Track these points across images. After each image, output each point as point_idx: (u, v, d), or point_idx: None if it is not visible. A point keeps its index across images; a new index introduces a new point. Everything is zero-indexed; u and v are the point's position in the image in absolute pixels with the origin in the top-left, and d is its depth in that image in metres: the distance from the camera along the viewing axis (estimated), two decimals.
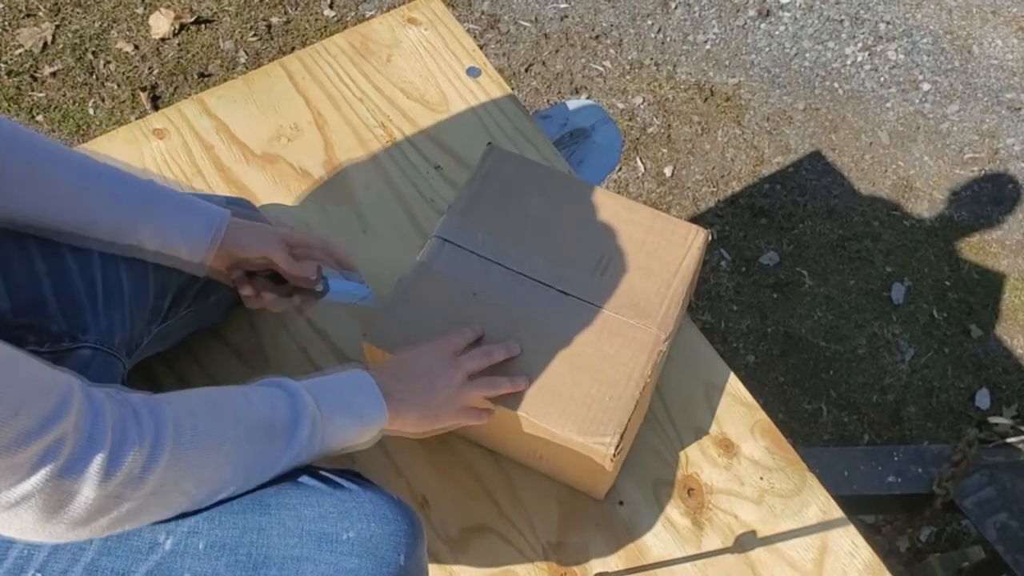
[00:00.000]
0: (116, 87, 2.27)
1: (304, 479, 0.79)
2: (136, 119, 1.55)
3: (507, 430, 0.97)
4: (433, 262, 1.02)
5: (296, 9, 2.45)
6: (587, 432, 0.92)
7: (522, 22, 2.46)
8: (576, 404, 0.93)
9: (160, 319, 0.99)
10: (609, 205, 1.06)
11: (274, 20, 2.43)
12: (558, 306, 0.99)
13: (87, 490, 0.63)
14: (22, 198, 0.86)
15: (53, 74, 2.29)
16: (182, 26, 2.39)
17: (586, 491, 1.05)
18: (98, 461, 0.62)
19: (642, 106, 2.32)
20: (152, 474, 0.66)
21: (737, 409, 1.12)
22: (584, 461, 0.95)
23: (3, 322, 0.84)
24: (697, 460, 1.08)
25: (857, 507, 1.41)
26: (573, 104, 1.47)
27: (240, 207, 1.14)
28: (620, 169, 2.22)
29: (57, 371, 0.64)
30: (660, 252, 1.02)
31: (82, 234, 0.89)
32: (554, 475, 1.05)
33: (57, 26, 2.37)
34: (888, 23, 2.49)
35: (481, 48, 2.11)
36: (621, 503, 1.05)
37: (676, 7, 2.50)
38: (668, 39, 2.44)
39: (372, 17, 1.77)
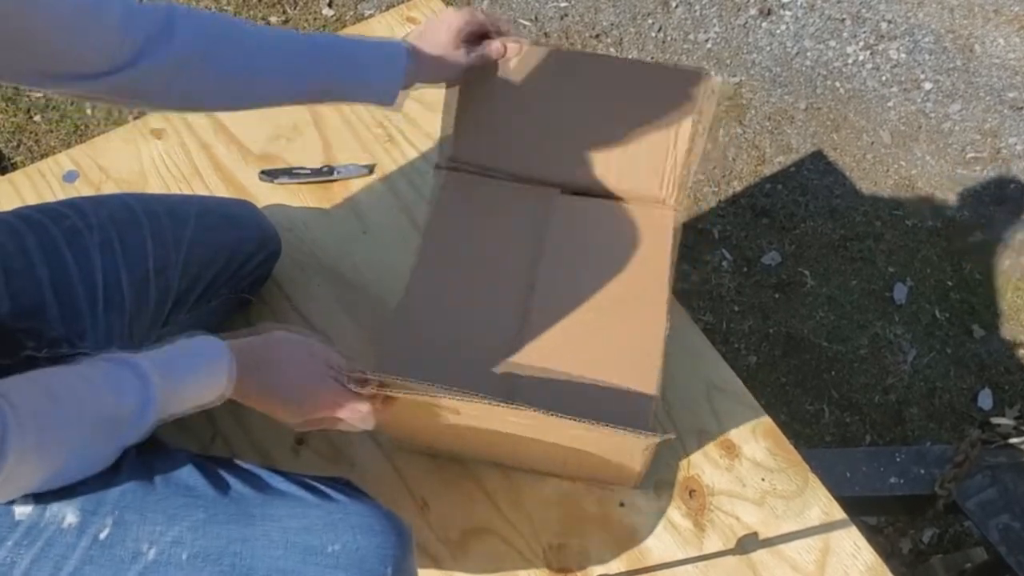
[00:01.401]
0: None
1: (291, 489, 0.78)
2: (134, 119, 1.54)
3: (522, 441, 0.93)
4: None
5: (295, 8, 2.45)
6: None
7: (522, 21, 2.46)
8: (607, 397, 0.91)
9: (161, 324, 0.98)
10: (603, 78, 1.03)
11: (273, 19, 2.42)
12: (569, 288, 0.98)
13: None
14: (222, 95, 0.88)
15: None
16: None
17: (614, 481, 1.03)
18: None
19: None
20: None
21: (739, 410, 1.11)
22: (620, 453, 0.93)
23: (2, 325, 0.83)
24: (698, 461, 1.08)
25: (859, 508, 1.40)
26: None
27: (241, 208, 1.13)
28: None
29: None
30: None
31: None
32: (574, 475, 1.03)
33: None
34: (890, 22, 2.48)
35: None
36: (622, 504, 1.05)
37: (677, 6, 2.49)
38: (669, 38, 2.44)
39: (371, 16, 1.76)
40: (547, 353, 0.95)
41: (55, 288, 0.87)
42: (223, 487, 0.78)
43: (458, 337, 0.96)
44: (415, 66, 0.95)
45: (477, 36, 1.01)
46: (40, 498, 0.73)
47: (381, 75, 0.94)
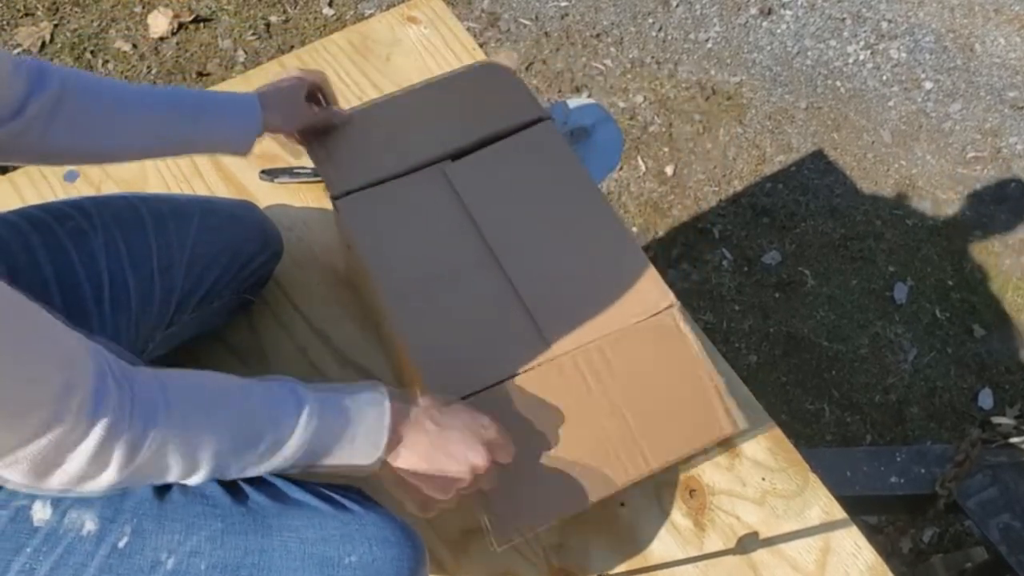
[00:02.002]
0: None
1: (307, 499, 0.78)
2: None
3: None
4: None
5: (295, 8, 2.45)
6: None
7: (522, 20, 2.46)
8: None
9: (165, 324, 0.98)
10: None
11: (273, 19, 2.42)
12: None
13: (73, 464, 0.62)
14: (80, 141, 0.89)
15: None
16: (180, 25, 2.38)
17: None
18: (94, 437, 0.62)
19: (643, 105, 2.31)
20: (137, 457, 0.65)
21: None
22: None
23: None
24: (698, 461, 1.08)
25: (859, 508, 1.40)
26: (574, 103, 1.47)
27: (244, 208, 1.13)
28: (621, 168, 2.22)
29: (75, 341, 0.63)
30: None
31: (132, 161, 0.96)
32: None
33: (56, 25, 2.37)
34: (890, 21, 2.48)
35: (481, 47, 2.11)
36: (622, 504, 1.05)
37: (677, 5, 2.49)
38: (669, 37, 2.43)
39: (371, 16, 1.77)
40: (548, 296, 0.98)
41: (61, 287, 0.87)
42: (240, 496, 0.77)
43: (473, 329, 0.97)
44: (268, 117, 1.01)
45: (315, 96, 1.11)
46: (58, 505, 0.73)
47: (239, 124, 0.99)
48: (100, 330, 0.87)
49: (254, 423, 0.73)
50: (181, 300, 0.99)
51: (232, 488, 0.78)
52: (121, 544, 0.73)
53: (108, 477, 0.65)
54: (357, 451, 0.78)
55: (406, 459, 0.80)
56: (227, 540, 0.74)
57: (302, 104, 1.06)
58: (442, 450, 0.80)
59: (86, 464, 0.63)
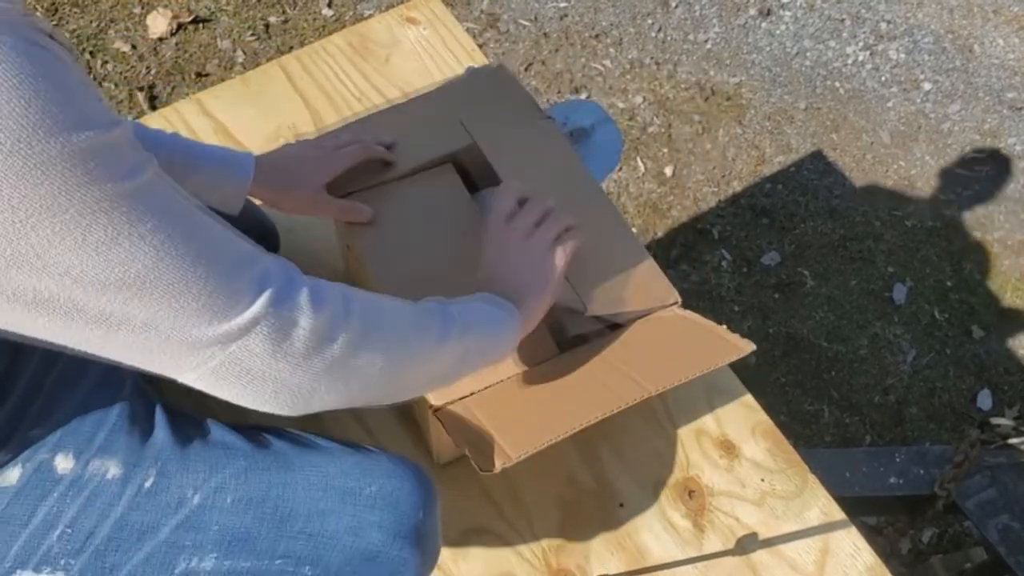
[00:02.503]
0: (114, 87, 2.27)
1: (325, 443, 0.82)
2: (134, 119, 1.54)
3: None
4: None
5: (294, 8, 2.45)
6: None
7: (521, 21, 2.46)
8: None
9: None
10: None
11: (272, 19, 2.42)
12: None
13: (303, 319, 0.62)
14: None
15: None
16: (179, 26, 2.38)
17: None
18: (304, 293, 0.63)
19: (642, 105, 2.31)
20: (354, 312, 0.67)
21: (738, 410, 1.11)
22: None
23: None
24: (698, 462, 1.08)
25: (859, 508, 1.40)
26: (573, 103, 1.47)
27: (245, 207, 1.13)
28: (620, 169, 2.22)
29: (252, 244, 0.65)
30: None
31: None
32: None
33: (55, 26, 2.37)
34: (889, 22, 2.48)
35: (480, 47, 2.11)
36: (621, 505, 1.05)
37: (676, 6, 2.49)
38: (668, 38, 2.44)
39: (371, 16, 1.76)
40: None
41: None
42: (260, 442, 0.81)
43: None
44: (256, 189, 0.97)
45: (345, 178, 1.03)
46: (80, 455, 0.75)
47: (228, 190, 0.95)
48: None
49: (423, 339, 0.75)
50: None
51: (250, 436, 0.81)
52: (147, 484, 0.76)
53: (306, 377, 0.64)
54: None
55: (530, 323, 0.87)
56: (251, 476, 0.77)
57: (306, 184, 0.99)
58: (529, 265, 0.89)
59: (286, 359, 0.63)
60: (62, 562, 0.73)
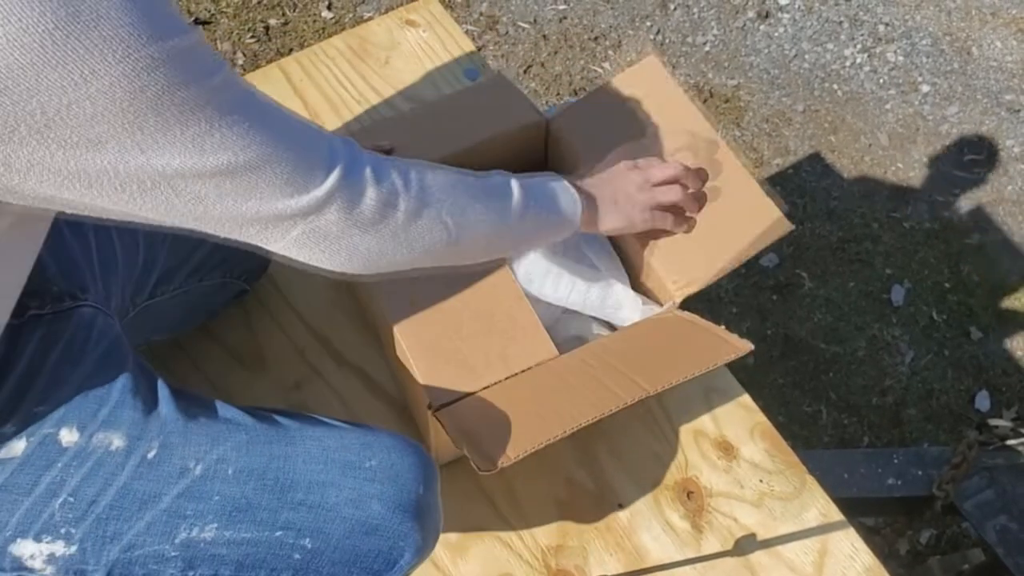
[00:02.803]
0: None
1: (326, 419, 0.84)
2: None
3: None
4: None
5: (294, 11, 2.45)
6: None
7: (521, 23, 2.46)
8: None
9: (147, 295, 0.98)
10: None
11: (272, 22, 2.43)
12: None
13: (369, 190, 0.70)
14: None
15: None
16: None
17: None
18: (368, 167, 0.70)
19: None
20: (412, 183, 0.74)
21: (736, 412, 1.12)
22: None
23: None
24: (696, 463, 1.08)
25: (857, 510, 1.41)
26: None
27: None
28: None
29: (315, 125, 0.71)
30: None
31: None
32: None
33: None
34: (887, 25, 2.49)
35: (480, 50, 2.11)
36: (620, 506, 1.05)
37: (675, 8, 2.50)
38: (667, 40, 2.44)
39: (370, 19, 1.77)
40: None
41: (51, 247, 0.86)
42: (262, 418, 0.82)
43: (474, 328, 0.97)
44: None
45: None
46: (84, 429, 0.77)
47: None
48: (92, 285, 0.87)
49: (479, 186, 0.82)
50: (164, 275, 0.99)
51: (252, 412, 0.83)
52: (151, 455, 0.77)
53: (383, 240, 0.72)
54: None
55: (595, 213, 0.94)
56: (252, 448, 0.78)
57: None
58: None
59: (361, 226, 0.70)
60: (63, 530, 0.74)
